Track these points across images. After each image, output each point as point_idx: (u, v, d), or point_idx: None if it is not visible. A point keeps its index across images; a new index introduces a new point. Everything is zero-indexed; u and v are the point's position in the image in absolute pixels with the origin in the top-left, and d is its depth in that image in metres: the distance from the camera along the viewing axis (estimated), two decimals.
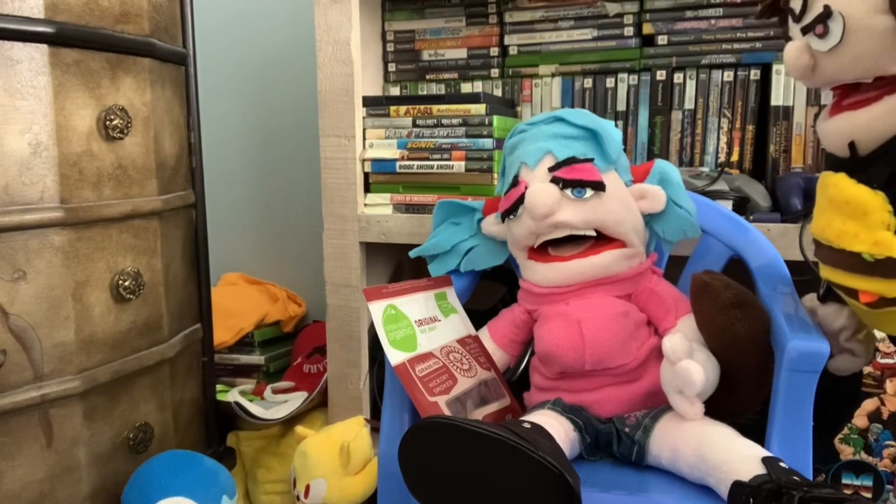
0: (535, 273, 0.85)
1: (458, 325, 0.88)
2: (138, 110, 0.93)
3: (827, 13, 0.60)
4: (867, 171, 0.60)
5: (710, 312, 0.72)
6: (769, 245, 0.87)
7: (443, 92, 1.23)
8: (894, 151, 0.59)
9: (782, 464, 0.63)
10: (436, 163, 1.10)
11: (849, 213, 0.60)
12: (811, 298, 0.77)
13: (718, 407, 0.73)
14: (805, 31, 0.62)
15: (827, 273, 0.65)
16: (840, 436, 0.93)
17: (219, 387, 1.29)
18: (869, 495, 0.92)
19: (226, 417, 1.15)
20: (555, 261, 0.83)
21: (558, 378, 0.82)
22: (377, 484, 0.84)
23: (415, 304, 0.84)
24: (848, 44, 0.59)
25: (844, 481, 0.93)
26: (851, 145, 0.62)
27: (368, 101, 1.13)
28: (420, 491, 0.65)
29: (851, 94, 0.63)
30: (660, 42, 1.12)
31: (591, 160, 0.83)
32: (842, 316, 0.73)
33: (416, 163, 1.11)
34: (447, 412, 0.74)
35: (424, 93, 1.25)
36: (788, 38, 0.66)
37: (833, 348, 0.73)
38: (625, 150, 0.94)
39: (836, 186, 0.61)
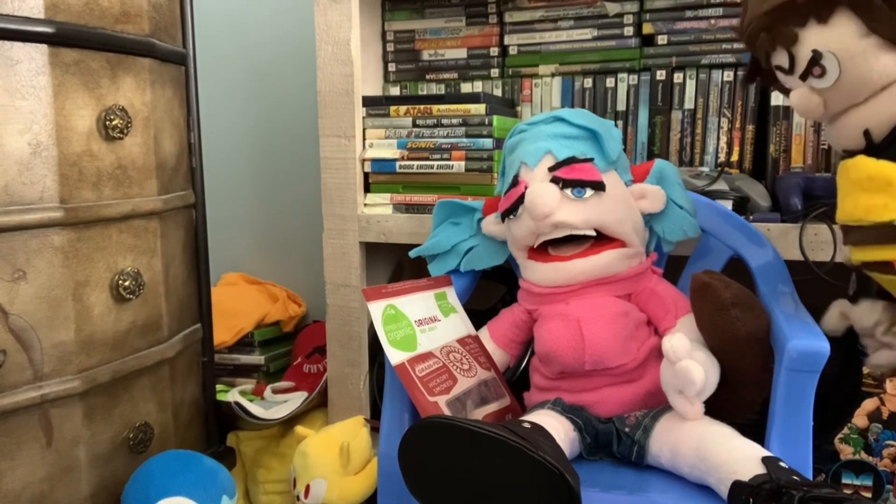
0: (535, 273, 0.85)
1: (458, 324, 0.88)
2: (138, 110, 0.93)
3: (818, 55, 0.65)
4: (883, 153, 0.64)
5: (710, 312, 0.72)
6: (769, 245, 0.87)
7: (443, 92, 1.23)
8: None
9: (782, 463, 0.63)
10: (436, 163, 1.10)
11: (874, 188, 0.63)
12: (841, 303, 0.79)
13: (718, 407, 0.73)
14: (804, 77, 0.67)
15: (860, 255, 0.67)
16: (840, 435, 0.93)
17: (219, 387, 1.29)
18: (869, 495, 0.92)
19: (226, 417, 1.15)
20: (555, 261, 0.83)
21: (558, 378, 0.82)
22: (377, 484, 0.84)
23: (414, 304, 0.84)
24: (847, 73, 0.64)
25: (844, 481, 0.93)
26: (866, 133, 0.66)
27: (368, 101, 1.13)
28: (420, 491, 0.65)
29: None
30: (660, 42, 1.12)
31: (590, 160, 0.83)
32: (875, 310, 0.75)
33: (415, 163, 1.11)
34: (447, 412, 0.74)
35: (424, 93, 1.25)
36: (785, 91, 0.72)
37: (871, 346, 0.76)
38: (625, 149, 0.94)
39: (857, 166, 0.64)
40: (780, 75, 0.72)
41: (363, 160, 1.12)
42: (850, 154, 0.69)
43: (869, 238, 0.65)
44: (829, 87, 0.66)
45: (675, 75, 1.10)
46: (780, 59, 0.70)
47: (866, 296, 0.76)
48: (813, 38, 0.65)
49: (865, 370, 0.93)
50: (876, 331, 0.75)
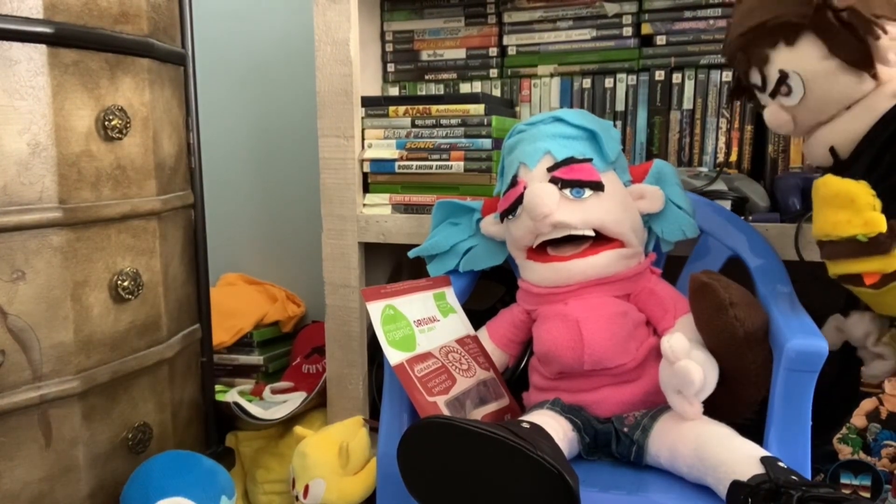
0: (534, 273, 0.85)
1: (457, 325, 0.88)
2: (137, 110, 0.93)
3: (784, 75, 0.71)
4: (850, 169, 0.69)
5: (708, 312, 0.72)
6: (768, 245, 0.87)
7: (441, 92, 1.23)
8: (868, 147, 0.68)
9: (781, 463, 0.63)
10: (435, 163, 1.10)
11: (839, 204, 0.67)
12: (835, 317, 0.83)
13: (717, 407, 0.73)
14: (773, 95, 0.74)
15: (833, 268, 0.70)
16: (838, 435, 0.93)
17: (218, 387, 1.29)
18: (867, 495, 0.92)
19: (225, 418, 1.15)
20: (554, 261, 0.83)
21: (557, 378, 0.82)
22: (376, 484, 0.84)
23: (413, 304, 0.84)
24: (811, 92, 0.71)
25: (843, 481, 0.93)
26: (832, 151, 0.71)
27: (367, 102, 1.13)
28: (419, 491, 0.65)
29: None
30: (658, 42, 1.12)
31: (589, 160, 0.83)
32: (864, 321, 0.79)
33: (414, 163, 1.11)
34: (446, 412, 0.74)
35: (423, 93, 1.25)
36: (762, 107, 0.78)
37: (866, 358, 0.80)
38: (623, 150, 0.94)
39: (825, 184, 0.69)
40: (756, 93, 0.78)
41: (362, 160, 1.12)
42: (823, 172, 0.73)
43: (839, 252, 0.68)
44: (796, 105, 0.72)
45: (674, 75, 1.11)
46: (755, 77, 0.76)
47: (856, 308, 0.79)
48: (781, 58, 0.71)
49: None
50: (867, 342, 0.78)
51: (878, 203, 0.65)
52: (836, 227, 0.67)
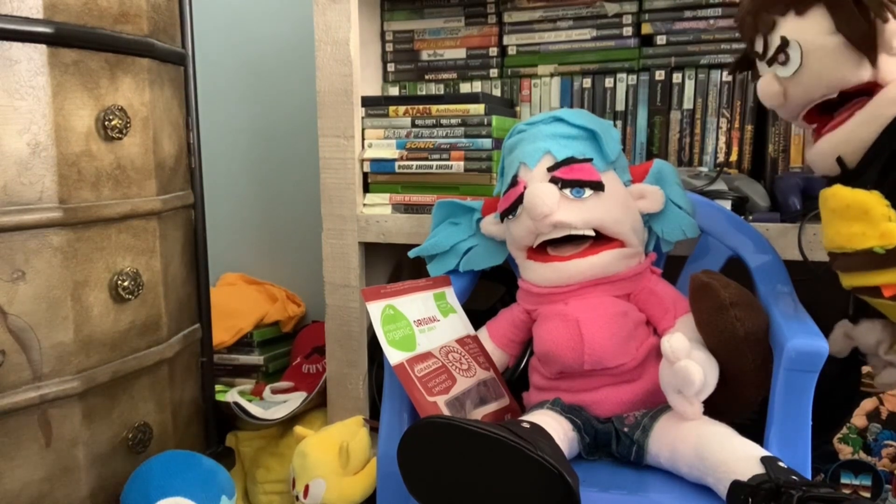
0: (534, 273, 0.85)
1: (457, 325, 0.88)
2: (137, 110, 0.93)
3: (785, 43, 0.69)
4: (859, 179, 0.66)
5: (708, 312, 0.72)
6: (768, 245, 0.87)
7: (442, 92, 1.23)
8: (878, 155, 0.66)
9: (781, 463, 0.63)
10: (435, 163, 1.10)
11: (852, 216, 0.65)
12: (843, 324, 0.81)
13: (717, 407, 0.73)
14: (770, 63, 0.72)
15: (848, 280, 0.69)
16: (839, 435, 0.93)
17: (218, 387, 1.28)
18: (867, 495, 0.92)
19: (225, 417, 1.15)
20: (554, 261, 0.83)
21: (557, 378, 0.82)
22: (376, 484, 0.84)
23: (413, 304, 0.84)
24: (807, 65, 0.69)
25: (843, 481, 0.93)
26: (839, 160, 0.69)
27: (367, 102, 1.13)
28: (419, 491, 0.65)
29: (828, 122, 0.71)
30: (659, 42, 1.12)
31: (589, 160, 0.83)
32: (875, 329, 0.77)
33: (415, 163, 1.11)
34: (446, 412, 0.74)
35: (423, 93, 1.25)
36: (758, 77, 0.75)
37: (877, 366, 0.78)
38: (624, 150, 0.94)
39: (835, 196, 0.67)
40: (756, 62, 0.76)
41: (362, 160, 1.12)
42: (828, 180, 0.71)
43: (853, 265, 0.66)
44: (789, 77, 0.70)
45: (674, 75, 1.11)
46: (758, 45, 0.74)
47: (865, 315, 0.78)
48: (787, 26, 0.70)
49: (864, 370, 0.93)
50: (879, 349, 0.77)
51: (893, 214, 0.63)
52: (850, 240, 0.65)
